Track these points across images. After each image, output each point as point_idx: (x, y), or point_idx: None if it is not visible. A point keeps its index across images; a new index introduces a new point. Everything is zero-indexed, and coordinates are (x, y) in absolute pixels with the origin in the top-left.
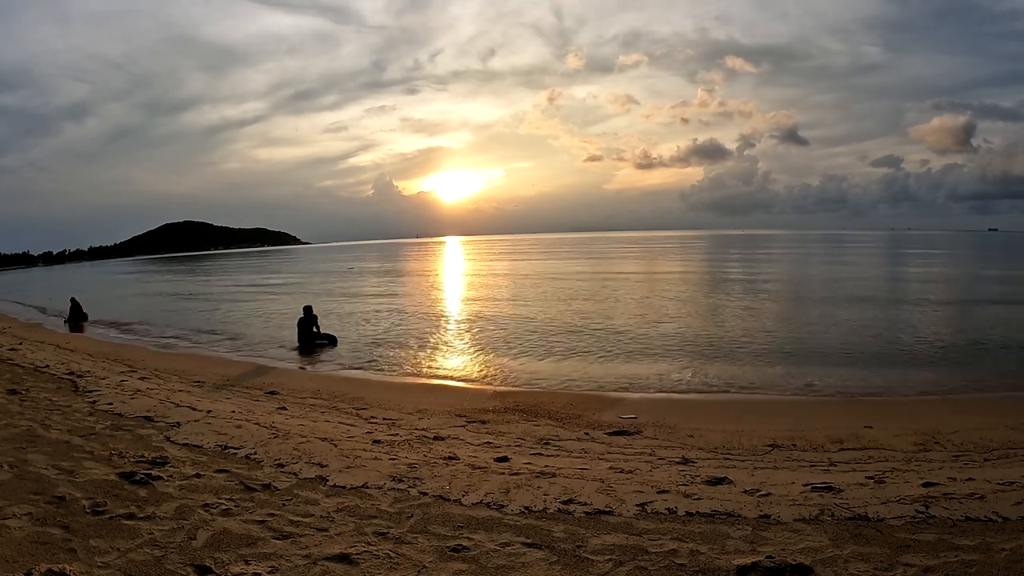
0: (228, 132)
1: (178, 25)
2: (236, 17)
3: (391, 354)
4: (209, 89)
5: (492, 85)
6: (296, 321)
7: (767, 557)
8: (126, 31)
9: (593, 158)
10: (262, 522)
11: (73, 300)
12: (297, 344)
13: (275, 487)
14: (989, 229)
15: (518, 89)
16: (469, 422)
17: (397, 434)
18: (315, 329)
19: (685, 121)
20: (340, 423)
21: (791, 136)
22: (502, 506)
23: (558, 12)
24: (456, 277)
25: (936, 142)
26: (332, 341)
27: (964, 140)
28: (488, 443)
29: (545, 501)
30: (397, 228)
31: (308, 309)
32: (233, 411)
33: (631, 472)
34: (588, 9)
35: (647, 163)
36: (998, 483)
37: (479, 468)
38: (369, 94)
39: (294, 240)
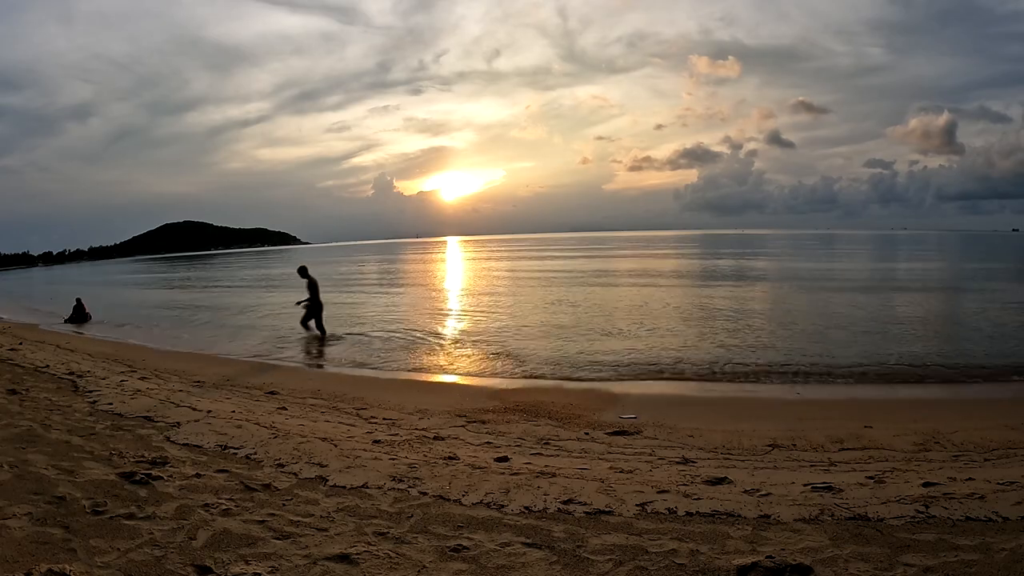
0: (231, 132)
1: (184, 25)
2: (242, 17)
3: (391, 354)
4: (213, 89)
5: (496, 86)
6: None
7: (767, 557)
8: (132, 31)
9: (594, 158)
10: (262, 522)
11: (78, 300)
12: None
13: (275, 487)
14: (1012, 229)
15: (522, 89)
16: (469, 422)
17: (397, 434)
18: (316, 294)
19: (684, 122)
20: (340, 423)
21: (789, 137)
22: (502, 506)
23: (563, 13)
24: (455, 278)
25: (933, 144)
26: (322, 334)
27: (962, 141)
28: (488, 443)
29: (545, 501)
30: (397, 228)
31: (304, 271)
32: (233, 411)
33: (631, 472)
34: (593, 10)
35: (647, 164)
36: (998, 483)
37: (479, 468)
38: (373, 94)
39: (294, 240)
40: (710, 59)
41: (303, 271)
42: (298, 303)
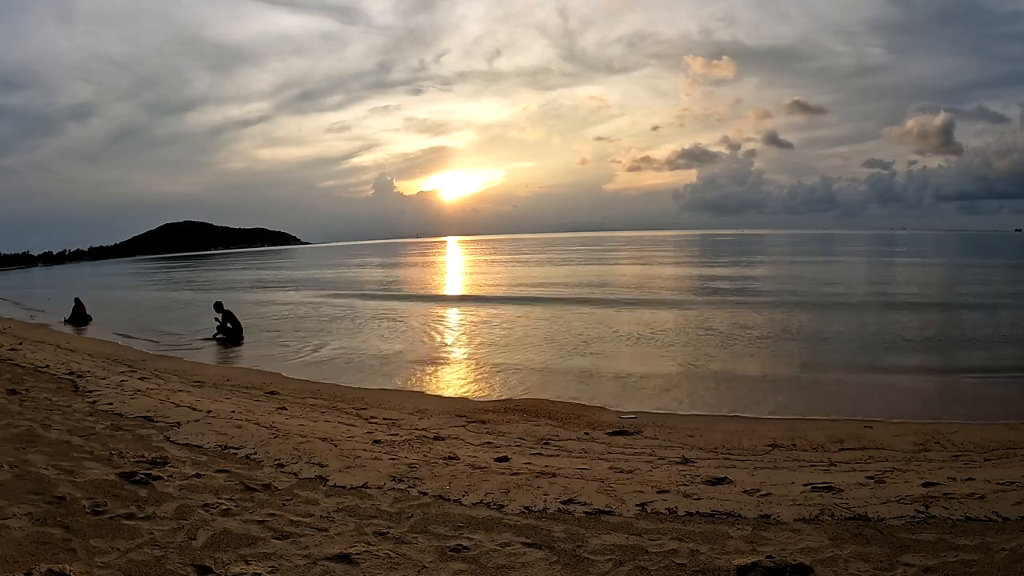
0: (231, 132)
1: (184, 25)
2: (243, 17)
3: (392, 355)
4: (214, 89)
5: (497, 86)
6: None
7: (767, 557)
8: (132, 31)
9: (593, 159)
10: (262, 522)
11: (77, 300)
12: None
13: (275, 487)
14: (1016, 230)
15: (522, 89)
16: (469, 422)
17: (397, 434)
18: (227, 324)
19: (684, 122)
20: (340, 423)
21: (789, 137)
22: (502, 506)
23: (563, 13)
24: (454, 278)
25: (932, 144)
26: (236, 332)
27: (960, 141)
28: (488, 443)
29: (545, 501)
30: (397, 228)
31: (219, 305)
32: (233, 411)
33: (631, 472)
34: (593, 11)
35: (646, 164)
36: (998, 483)
37: (479, 468)
38: (374, 94)
39: (294, 240)
40: (711, 60)
41: (218, 306)
42: (216, 335)
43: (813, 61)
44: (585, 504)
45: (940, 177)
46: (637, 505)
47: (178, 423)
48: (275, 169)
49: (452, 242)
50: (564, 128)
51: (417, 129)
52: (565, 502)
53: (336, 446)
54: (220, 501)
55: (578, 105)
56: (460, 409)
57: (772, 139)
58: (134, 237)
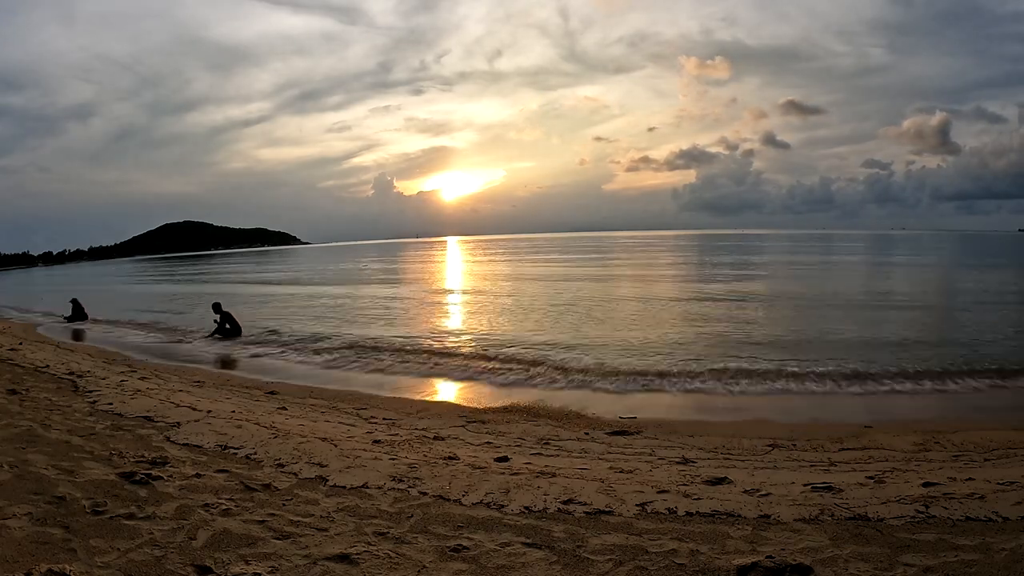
0: (232, 132)
1: (186, 25)
2: (244, 17)
3: (395, 357)
4: (215, 89)
5: (497, 86)
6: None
7: (767, 557)
8: (133, 31)
9: (594, 159)
10: (262, 522)
11: (74, 300)
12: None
13: (275, 487)
14: (1019, 230)
15: (523, 90)
16: (469, 422)
17: (397, 434)
18: (226, 324)
19: (683, 123)
20: (340, 423)
21: (792, 137)
22: (502, 506)
23: (564, 13)
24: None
25: (931, 144)
26: (234, 331)
27: (959, 142)
28: (488, 443)
29: (545, 501)
30: (397, 228)
31: (217, 306)
32: (233, 411)
33: (631, 472)
34: (594, 11)
35: (645, 164)
36: (998, 483)
37: (479, 468)
38: (374, 94)
39: (294, 240)
40: (711, 60)
41: (216, 307)
42: (215, 333)
43: (813, 61)
44: (585, 504)
45: (938, 177)
46: (637, 505)
47: (178, 423)
48: (275, 169)
49: (452, 242)
50: (564, 128)
51: (417, 129)
52: (565, 502)
53: (336, 446)
54: (220, 501)
55: (578, 105)
56: (460, 409)
57: (770, 139)
58: (134, 237)
